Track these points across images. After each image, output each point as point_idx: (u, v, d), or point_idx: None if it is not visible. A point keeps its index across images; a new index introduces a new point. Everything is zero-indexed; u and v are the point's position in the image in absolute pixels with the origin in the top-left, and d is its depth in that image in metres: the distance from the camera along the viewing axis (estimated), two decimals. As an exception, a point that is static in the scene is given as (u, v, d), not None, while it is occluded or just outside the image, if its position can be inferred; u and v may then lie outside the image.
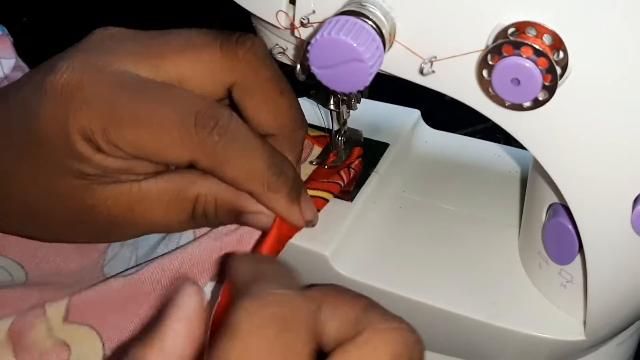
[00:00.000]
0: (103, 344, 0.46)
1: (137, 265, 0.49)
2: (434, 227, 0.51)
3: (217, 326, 0.33)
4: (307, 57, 0.36)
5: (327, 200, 0.50)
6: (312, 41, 0.35)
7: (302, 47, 0.42)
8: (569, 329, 0.45)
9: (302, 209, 0.44)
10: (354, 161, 0.53)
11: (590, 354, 0.48)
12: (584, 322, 0.44)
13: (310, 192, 0.49)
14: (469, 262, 0.49)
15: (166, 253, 0.49)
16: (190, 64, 0.40)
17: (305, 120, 0.46)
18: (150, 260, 0.49)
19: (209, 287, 0.47)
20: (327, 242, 0.48)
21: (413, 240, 0.51)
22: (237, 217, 0.43)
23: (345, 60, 0.35)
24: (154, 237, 0.52)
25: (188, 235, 0.50)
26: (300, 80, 0.45)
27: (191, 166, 0.41)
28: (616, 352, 0.49)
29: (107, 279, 0.47)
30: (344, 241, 0.49)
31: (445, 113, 0.61)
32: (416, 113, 0.58)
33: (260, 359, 0.28)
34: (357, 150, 0.54)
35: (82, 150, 0.39)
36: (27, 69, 0.61)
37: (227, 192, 0.42)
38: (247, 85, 0.41)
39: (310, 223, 0.46)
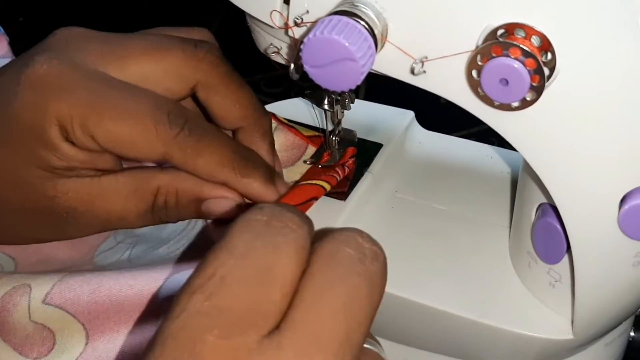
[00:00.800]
0: (87, 334, 0.47)
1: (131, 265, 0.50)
2: (426, 226, 0.52)
3: None
4: (300, 56, 0.36)
5: (325, 190, 0.50)
6: (305, 40, 0.35)
7: (296, 47, 0.43)
8: (557, 328, 0.45)
9: (278, 190, 0.45)
10: (347, 161, 0.53)
11: (579, 353, 0.48)
12: (572, 322, 0.45)
13: (309, 181, 0.50)
14: (460, 261, 0.49)
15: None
16: (155, 65, 0.42)
17: (266, 110, 0.48)
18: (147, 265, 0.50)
19: None
20: (320, 241, 0.49)
21: (405, 240, 0.51)
22: (198, 206, 0.44)
23: (337, 60, 0.35)
24: (153, 239, 0.52)
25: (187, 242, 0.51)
26: (294, 80, 0.45)
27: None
28: (605, 352, 0.49)
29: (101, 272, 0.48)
30: (336, 240, 0.49)
31: (440, 115, 0.62)
32: (410, 114, 0.59)
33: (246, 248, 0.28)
34: (350, 150, 0.54)
35: (53, 137, 0.40)
36: None
37: (187, 181, 0.43)
38: (211, 81, 0.43)
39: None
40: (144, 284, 0.45)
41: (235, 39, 0.84)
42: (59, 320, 0.47)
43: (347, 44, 0.35)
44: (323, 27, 0.35)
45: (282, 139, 0.55)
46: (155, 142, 0.40)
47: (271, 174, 0.45)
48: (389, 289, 0.47)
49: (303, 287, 0.28)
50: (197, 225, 0.52)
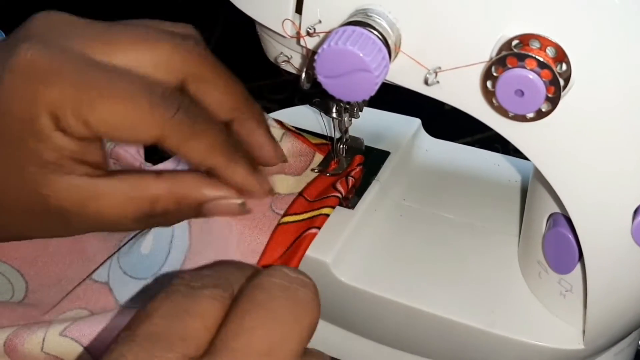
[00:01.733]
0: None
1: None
2: (434, 235, 0.52)
3: None
4: (313, 66, 0.36)
5: (328, 215, 0.50)
6: (319, 51, 0.35)
7: (307, 56, 0.42)
8: (567, 337, 0.45)
9: (259, 181, 0.44)
10: (354, 169, 0.53)
11: (588, 363, 0.48)
12: (583, 331, 0.45)
13: (310, 213, 0.50)
14: (469, 270, 0.49)
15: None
16: (144, 55, 0.41)
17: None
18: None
19: None
20: (328, 250, 0.49)
21: (413, 249, 0.51)
22: (199, 210, 0.43)
23: (351, 70, 0.35)
24: (147, 261, 0.53)
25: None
26: (298, 87, 0.45)
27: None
28: (614, 362, 0.49)
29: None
30: (344, 249, 0.49)
31: (445, 122, 0.62)
32: (417, 122, 0.59)
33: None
34: (358, 158, 0.54)
35: (44, 126, 0.38)
36: None
37: (185, 187, 0.42)
38: (201, 73, 0.42)
39: (271, 191, 0.46)
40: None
41: (237, 45, 0.84)
42: (71, 352, 0.48)
43: (361, 55, 0.35)
44: (337, 38, 0.35)
45: (289, 147, 0.54)
46: (151, 124, 0.39)
47: (253, 165, 0.45)
48: (397, 298, 0.48)
49: (228, 315, 0.30)
50: None
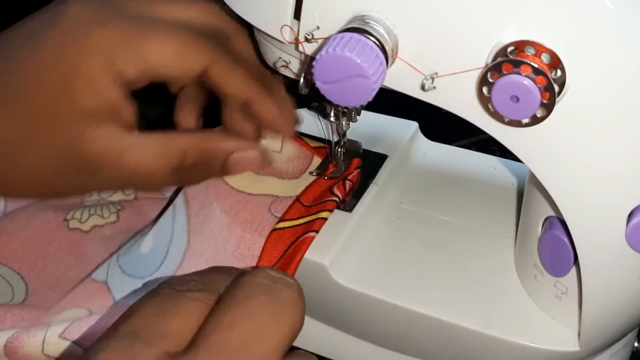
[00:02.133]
0: None
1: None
2: (431, 238, 0.52)
3: None
4: (311, 72, 0.37)
5: (326, 219, 0.51)
6: (317, 57, 0.36)
7: (306, 61, 0.43)
8: (563, 339, 0.46)
9: (288, 117, 0.48)
10: (352, 172, 0.54)
11: (584, 364, 0.49)
12: (579, 333, 0.45)
13: (307, 218, 0.51)
14: (465, 273, 0.50)
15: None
16: (181, 11, 0.44)
17: None
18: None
19: None
20: (326, 252, 0.49)
21: (410, 251, 0.52)
22: (224, 164, 0.45)
23: (349, 76, 0.36)
24: (147, 263, 0.53)
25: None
26: (295, 91, 0.46)
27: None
28: (609, 363, 0.50)
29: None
30: (342, 251, 0.50)
31: (442, 124, 0.62)
32: (414, 125, 0.59)
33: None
34: (355, 162, 0.54)
35: (94, 69, 0.40)
36: None
37: (209, 141, 0.45)
38: (230, 28, 0.46)
39: (298, 122, 0.49)
40: None
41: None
42: (71, 354, 0.48)
43: (359, 61, 0.35)
44: (335, 44, 0.35)
45: (288, 150, 0.55)
46: (198, 54, 0.42)
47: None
48: (395, 301, 0.48)
49: (210, 313, 0.32)
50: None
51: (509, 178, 0.56)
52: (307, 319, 0.53)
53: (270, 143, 0.54)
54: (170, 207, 0.55)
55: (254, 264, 0.50)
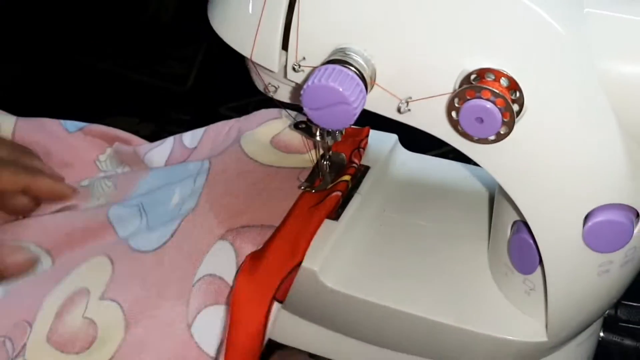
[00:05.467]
0: (124, 314, 0.53)
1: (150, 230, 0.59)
2: (411, 242, 0.57)
3: None
4: (300, 100, 0.41)
5: (347, 182, 0.58)
6: (305, 87, 0.40)
7: (294, 86, 0.47)
8: (532, 331, 0.50)
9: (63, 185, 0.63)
10: (363, 140, 0.60)
11: (553, 354, 0.53)
12: (546, 325, 0.50)
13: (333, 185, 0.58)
14: (443, 273, 0.54)
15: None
16: None
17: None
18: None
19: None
20: (315, 258, 0.53)
21: (393, 255, 0.56)
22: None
23: (333, 103, 0.40)
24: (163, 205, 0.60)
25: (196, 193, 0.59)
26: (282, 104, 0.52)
27: None
28: (576, 352, 0.54)
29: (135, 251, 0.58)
30: (330, 257, 0.54)
31: (419, 134, 0.67)
32: (394, 137, 0.64)
33: None
34: (366, 130, 0.62)
35: None
36: None
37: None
38: None
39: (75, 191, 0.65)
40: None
41: (222, 64, 0.88)
42: (107, 313, 0.53)
43: (341, 90, 0.40)
44: (320, 75, 0.40)
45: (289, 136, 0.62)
46: None
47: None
48: (378, 301, 0.53)
49: None
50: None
51: (481, 185, 0.61)
52: (299, 320, 0.58)
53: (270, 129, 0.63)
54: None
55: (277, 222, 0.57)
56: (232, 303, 0.52)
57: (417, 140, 0.65)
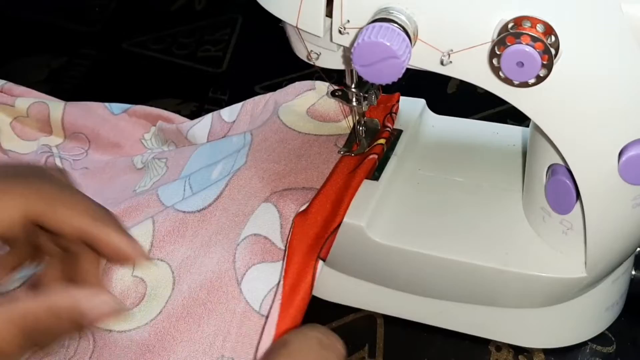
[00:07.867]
0: (172, 272, 0.56)
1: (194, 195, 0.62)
2: (448, 197, 0.60)
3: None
4: (350, 58, 0.44)
5: (382, 145, 0.61)
6: (355, 45, 0.43)
7: (337, 51, 0.50)
8: (573, 268, 0.53)
9: (131, 242, 0.47)
10: (395, 105, 0.64)
11: (591, 290, 0.56)
12: (585, 262, 0.53)
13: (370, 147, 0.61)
14: (481, 222, 0.57)
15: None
16: None
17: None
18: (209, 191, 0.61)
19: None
20: (361, 215, 0.57)
21: (432, 209, 0.59)
22: (80, 321, 0.42)
23: (382, 58, 0.43)
24: (205, 172, 0.63)
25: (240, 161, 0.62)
26: (328, 82, 0.54)
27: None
28: (612, 289, 0.58)
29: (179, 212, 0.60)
30: (375, 214, 0.57)
31: (445, 104, 0.70)
32: (422, 102, 0.67)
33: None
34: (396, 96, 0.65)
35: None
36: None
37: (60, 298, 0.41)
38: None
39: (144, 254, 0.48)
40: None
41: (256, 45, 0.92)
42: (156, 271, 0.56)
43: (389, 44, 0.43)
44: (369, 33, 0.43)
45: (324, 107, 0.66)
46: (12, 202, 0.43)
47: (124, 230, 0.47)
48: (423, 250, 0.56)
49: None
50: None
51: (510, 140, 0.64)
52: (344, 276, 0.61)
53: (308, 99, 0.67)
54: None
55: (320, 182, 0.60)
56: (287, 262, 0.55)
57: (443, 109, 0.69)
